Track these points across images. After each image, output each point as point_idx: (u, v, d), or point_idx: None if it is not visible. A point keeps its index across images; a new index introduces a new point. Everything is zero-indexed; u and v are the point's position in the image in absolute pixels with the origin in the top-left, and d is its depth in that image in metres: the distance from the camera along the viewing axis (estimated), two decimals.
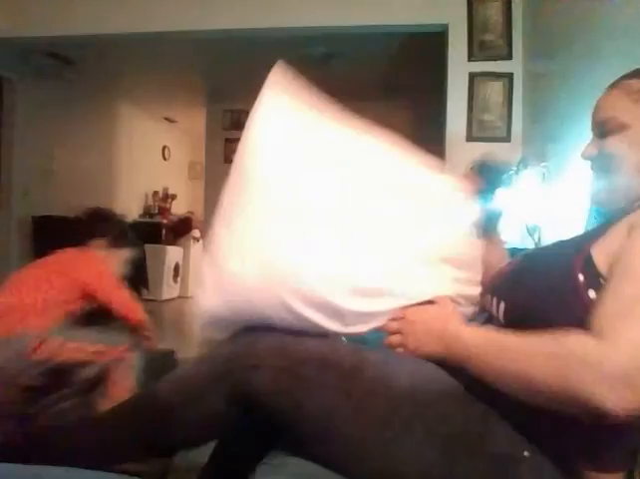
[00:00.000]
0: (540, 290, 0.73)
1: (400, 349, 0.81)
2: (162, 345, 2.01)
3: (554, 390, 0.59)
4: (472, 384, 0.72)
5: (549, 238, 1.85)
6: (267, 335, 0.80)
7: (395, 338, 0.82)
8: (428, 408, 0.71)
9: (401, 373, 0.75)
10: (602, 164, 0.84)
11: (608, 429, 0.63)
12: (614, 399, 0.55)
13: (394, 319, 0.82)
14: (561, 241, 0.82)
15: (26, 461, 0.81)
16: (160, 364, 1.57)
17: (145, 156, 6.17)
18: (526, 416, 0.67)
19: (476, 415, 0.71)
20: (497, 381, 0.67)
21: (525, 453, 0.68)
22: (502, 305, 0.79)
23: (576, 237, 0.82)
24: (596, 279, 0.68)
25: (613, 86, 0.85)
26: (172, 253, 5.91)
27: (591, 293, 0.67)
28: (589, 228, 0.98)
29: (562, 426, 0.65)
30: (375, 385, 0.74)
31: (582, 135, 0.95)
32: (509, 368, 0.65)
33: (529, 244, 1.89)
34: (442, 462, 0.68)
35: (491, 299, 0.83)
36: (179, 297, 6.09)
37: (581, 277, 0.68)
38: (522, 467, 0.67)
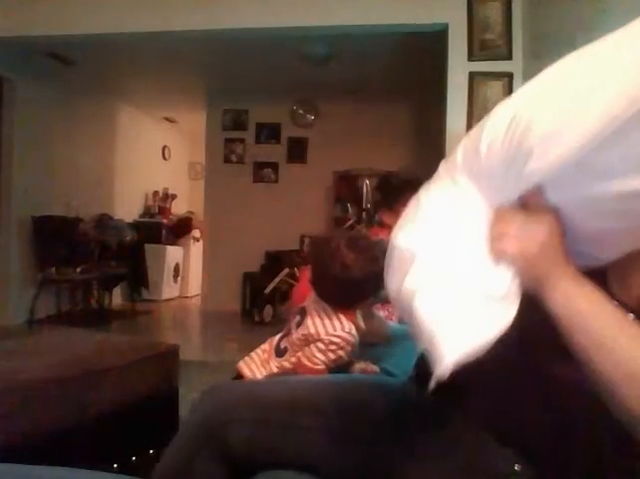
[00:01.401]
0: None
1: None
2: None
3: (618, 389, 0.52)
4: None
5: None
6: (235, 385, 0.80)
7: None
8: (410, 428, 0.71)
9: (379, 397, 0.75)
10: None
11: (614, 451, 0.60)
12: None
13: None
14: None
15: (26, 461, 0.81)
16: (163, 359, 1.57)
17: (145, 156, 6.17)
18: (529, 430, 0.65)
19: (465, 431, 0.70)
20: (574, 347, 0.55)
21: (516, 467, 0.66)
22: None
23: None
24: None
25: None
26: (172, 253, 5.92)
27: None
28: None
29: (565, 440, 0.64)
30: (355, 414, 0.74)
31: None
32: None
33: None
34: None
35: None
36: (179, 297, 6.09)
37: None
38: None
